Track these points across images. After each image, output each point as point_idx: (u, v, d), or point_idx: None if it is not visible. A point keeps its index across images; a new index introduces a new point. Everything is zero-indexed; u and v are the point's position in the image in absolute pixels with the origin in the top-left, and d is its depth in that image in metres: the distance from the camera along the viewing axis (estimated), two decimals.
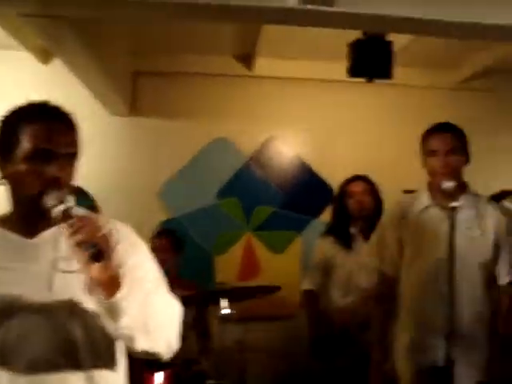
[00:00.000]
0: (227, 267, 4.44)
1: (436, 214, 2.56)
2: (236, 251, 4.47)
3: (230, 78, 4.52)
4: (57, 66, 4.00)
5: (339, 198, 3.63)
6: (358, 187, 3.58)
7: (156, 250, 3.59)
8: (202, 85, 4.51)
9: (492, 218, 2.51)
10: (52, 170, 1.39)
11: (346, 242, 3.55)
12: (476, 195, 2.60)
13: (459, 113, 4.44)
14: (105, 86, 3.80)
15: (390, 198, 4.29)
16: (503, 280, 2.50)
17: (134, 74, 4.48)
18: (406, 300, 2.62)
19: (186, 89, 4.52)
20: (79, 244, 1.25)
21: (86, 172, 4.16)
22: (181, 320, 1.50)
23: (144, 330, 1.35)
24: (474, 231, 2.48)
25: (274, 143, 4.56)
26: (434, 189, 2.58)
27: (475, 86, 4.62)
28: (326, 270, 3.60)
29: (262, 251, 4.48)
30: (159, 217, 4.41)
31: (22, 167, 1.39)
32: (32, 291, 1.37)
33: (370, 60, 3.08)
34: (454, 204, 2.35)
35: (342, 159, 4.54)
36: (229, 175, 4.48)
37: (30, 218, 1.45)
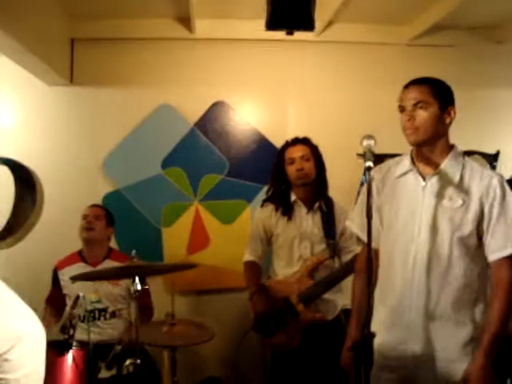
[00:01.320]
0: (176, 239, 4.26)
1: (412, 181, 2.31)
2: (184, 222, 4.27)
3: (171, 42, 4.28)
4: None
5: (278, 164, 3.41)
6: (297, 152, 3.35)
7: (88, 216, 3.52)
8: (142, 50, 4.28)
9: (479, 185, 2.19)
10: None
11: (286, 211, 3.36)
12: (461, 158, 2.28)
13: (416, 69, 4.24)
14: (35, 56, 3.57)
15: (344, 162, 4.16)
16: (493, 255, 2.19)
17: (70, 41, 4.24)
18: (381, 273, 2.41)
19: (127, 55, 4.29)
20: None
21: (26, 146, 4.15)
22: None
23: None
24: (455, 202, 2.20)
25: (220, 108, 4.34)
26: (413, 152, 2.35)
27: (431, 41, 4.40)
28: (267, 239, 3.43)
29: (210, 222, 4.29)
30: (104, 190, 4.23)
31: None
32: None
33: (288, 10, 2.84)
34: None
35: (293, 122, 4.36)
36: (173, 144, 4.27)
37: None
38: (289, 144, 3.41)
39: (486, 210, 2.17)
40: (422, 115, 2.21)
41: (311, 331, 3.20)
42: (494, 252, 2.18)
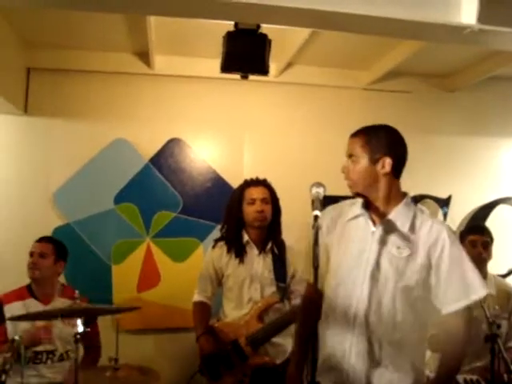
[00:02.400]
0: (126, 276, 4.16)
1: (363, 225, 2.27)
2: (135, 259, 4.19)
3: (129, 76, 4.26)
4: None
5: (236, 202, 3.36)
6: (259, 194, 3.31)
7: (35, 254, 3.39)
8: (99, 83, 4.25)
9: (428, 236, 2.16)
10: None
11: (238, 252, 3.32)
12: (413, 207, 2.26)
13: (373, 113, 4.35)
14: None
15: (298, 203, 4.14)
16: (449, 308, 2.14)
17: (26, 70, 4.17)
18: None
19: (83, 87, 4.24)
20: None
21: None
22: None
23: None
24: (402, 251, 2.16)
25: (176, 145, 4.31)
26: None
27: (387, 86, 4.50)
28: (217, 280, 3.38)
29: (162, 259, 4.22)
30: (53, 223, 4.12)
31: None
32: None
33: (242, 55, 2.85)
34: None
35: (248, 162, 4.37)
36: (127, 179, 4.21)
37: None
38: (249, 184, 3.38)
39: (434, 263, 2.14)
40: (353, 168, 2.23)
41: (259, 375, 3.15)
42: (448, 304, 2.14)
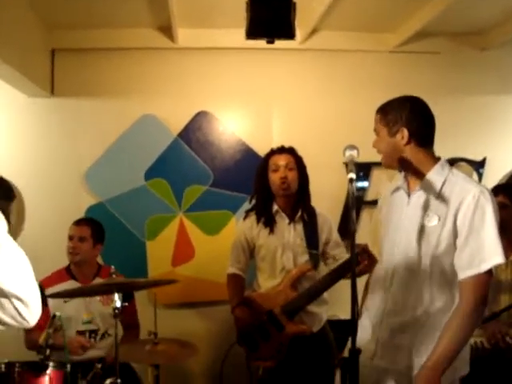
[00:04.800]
0: (160, 252, 4.20)
1: (400, 197, 2.32)
2: (168, 235, 4.22)
3: (154, 52, 4.24)
4: None
5: (261, 171, 3.36)
6: (282, 160, 3.30)
7: (73, 238, 3.44)
8: (124, 60, 4.25)
9: (456, 200, 2.10)
10: None
11: (268, 222, 3.31)
12: (446, 171, 2.21)
13: (401, 77, 4.26)
14: (15, 68, 3.51)
15: (328, 171, 4.12)
16: (461, 274, 2.09)
17: (49, 52, 4.18)
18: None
19: (108, 65, 4.25)
20: None
21: (6, 158, 4.08)
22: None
23: None
24: (432, 219, 2.15)
25: (204, 118, 4.29)
26: None
27: (415, 48, 4.38)
28: (249, 251, 3.39)
29: (195, 233, 4.24)
30: (85, 202, 4.16)
31: None
32: None
33: (267, 19, 2.80)
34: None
35: (277, 131, 4.33)
36: (156, 154, 4.22)
37: None
38: (274, 152, 3.37)
39: (458, 227, 2.10)
40: (378, 144, 2.30)
41: (297, 344, 3.15)
42: (461, 271, 2.08)
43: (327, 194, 3.98)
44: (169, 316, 4.13)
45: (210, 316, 4.23)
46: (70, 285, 3.39)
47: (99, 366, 2.70)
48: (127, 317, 3.38)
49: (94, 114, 4.21)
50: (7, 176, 4.01)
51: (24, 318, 1.45)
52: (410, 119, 2.21)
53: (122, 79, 4.25)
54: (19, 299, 1.41)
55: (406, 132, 2.20)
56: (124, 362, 3.17)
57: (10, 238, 1.48)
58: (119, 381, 2.45)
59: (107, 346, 3.37)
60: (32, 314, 1.47)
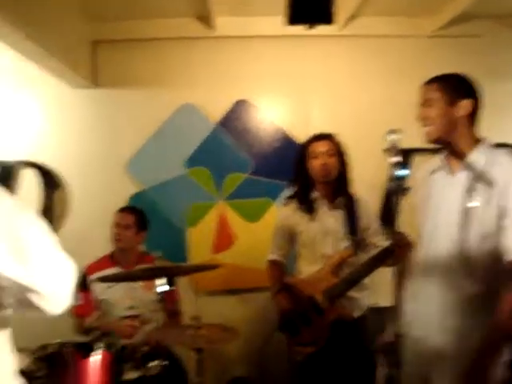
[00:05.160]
0: (200, 239, 4.26)
1: (439, 178, 2.31)
2: (209, 222, 4.28)
3: (193, 41, 4.29)
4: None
5: (300, 158, 3.36)
6: (322, 147, 3.29)
7: (117, 225, 3.52)
8: (163, 50, 4.31)
9: (502, 179, 2.08)
10: None
11: (308, 208, 3.33)
12: (489, 152, 2.19)
13: (441, 61, 4.21)
14: (59, 60, 3.62)
15: (368, 158, 4.10)
16: (505, 256, 2.04)
17: (91, 43, 4.27)
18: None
19: (148, 55, 4.31)
20: None
21: (52, 148, 4.19)
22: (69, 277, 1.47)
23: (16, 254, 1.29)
24: (478, 198, 2.13)
25: (243, 107, 4.32)
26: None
27: (455, 32, 4.31)
28: (290, 237, 3.41)
29: (235, 220, 4.29)
30: (128, 191, 4.25)
31: None
32: None
33: (307, 4, 2.80)
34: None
35: (315, 119, 4.33)
36: (197, 143, 4.27)
37: None
38: (313, 138, 3.36)
39: (505, 207, 2.07)
40: (430, 114, 2.23)
41: (337, 329, 3.16)
42: (505, 253, 2.05)
43: (366, 181, 3.96)
44: (209, 303, 4.19)
45: (250, 303, 4.28)
46: (113, 271, 3.47)
47: (145, 348, 2.76)
48: (169, 304, 3.44)
49: (135, 103, 4.29)
50: (53, 165, 4.10)
51: (44, 310, 1.39)
52: (469, 92, 2.20)
53: (163, 69, 4.31)
54: (34, 292, 1.34)
55: (465, 103, 2.18)
56: (165, 347, 3.23)
57: (36, 227, 1.43)
58: (166, 362, 2.51)
59: (149, 332, 3.44)
60: (52, 305, 1.40)
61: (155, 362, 2.57)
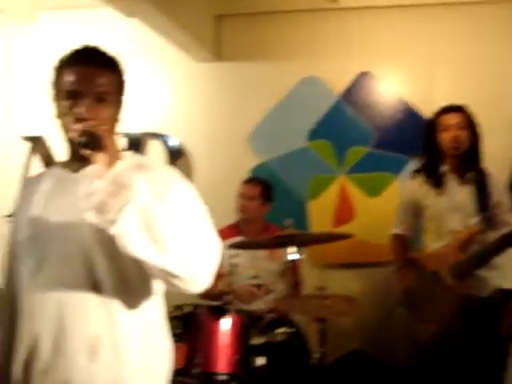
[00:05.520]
0: (321, 212, 4.27)
1: None
2: (330, 195, 4.27)
3: (315, 13, 4.26)
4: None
5: (429, 131, 3.26)
6: (452, 119, 3.17)
7: (243, 196, 3.61)
8: (286, 23, 4.32)
9: None
10: (79, 110, 1.45)
11: (436, 182, 3.23)
12: None
13: None
14: (185, 33, 3.74)
15: (498, 130, 3.92)
16: None
17: (216, 17, 4.36)
18: None
19: (270, 28, 4.35)
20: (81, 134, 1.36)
21: (176, 121, 4.35)
22: (215, 256, 1.50)
23: (154, 241, 1.34)
24: None
25: (365, 79, 4.26)
26: None
27: None
28: (416, 212, 3.33)
29: (356, 194, 4.25)
30: (250, 162, 4.34)
31: (60, 109, 1.52)
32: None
33: None
34: None
35: (440, 90, 4.17)
36: (319, 116, 4.27)
37: (73, 155, 1.57)
38: (444, 110, 3.24)
39: None
40: None
41: (463, 308, 3.07)
42: None
43: (496, 155, 3.79)
44: (328, 276, 4.17)
45: (369, 277, 4.24)
46: (238, 240, 3.56)
47: (271, 315, 2.82)
48: (292, 274, 3.48)
49: (258, 76, 4.35)
50: (178, 137, 4.29)
51: (186, 290, 1.44)
52: None
53: (286, 42, 4.33)
54: (176, 277, 1.40)
55: None
56: (286, 317, 3.28)
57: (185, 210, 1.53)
58: (293, 330, 2.56)
59: (271, 301, 3.51)
60: (194, 286, 1.45)
61: (282, 329, 2.62)
